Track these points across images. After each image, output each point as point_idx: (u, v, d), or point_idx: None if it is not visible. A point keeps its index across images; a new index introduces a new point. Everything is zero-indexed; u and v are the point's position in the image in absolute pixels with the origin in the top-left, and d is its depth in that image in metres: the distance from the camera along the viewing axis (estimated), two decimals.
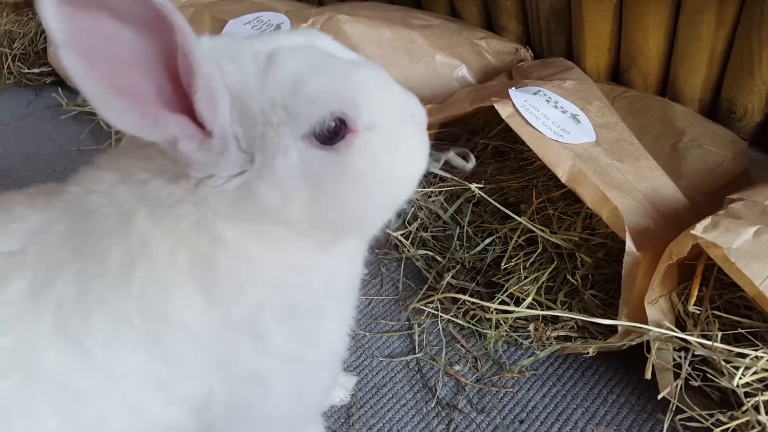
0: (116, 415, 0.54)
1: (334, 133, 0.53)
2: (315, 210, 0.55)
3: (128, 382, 0.54)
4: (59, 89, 1.99)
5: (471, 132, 1.29)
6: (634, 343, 0.78)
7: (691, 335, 0.73)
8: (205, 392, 0.57)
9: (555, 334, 0.90)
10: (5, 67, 2.06)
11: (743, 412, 0.70)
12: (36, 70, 2.08)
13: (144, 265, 0.52)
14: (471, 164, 0.86)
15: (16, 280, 0.52)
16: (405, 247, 1.13)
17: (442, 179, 1.14)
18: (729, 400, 0.78)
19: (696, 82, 1.44)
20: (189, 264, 0.53)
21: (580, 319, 0.85)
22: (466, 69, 1.44)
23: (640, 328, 0.75)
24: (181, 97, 0.49)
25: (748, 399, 0.69)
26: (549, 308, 0.90)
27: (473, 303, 0.98)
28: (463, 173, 0.96)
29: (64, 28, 0.40)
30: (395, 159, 0.58)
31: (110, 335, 0.52)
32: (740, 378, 0.68)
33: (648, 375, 0.76)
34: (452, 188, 1.10)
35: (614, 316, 0.84)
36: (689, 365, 0.76)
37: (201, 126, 0.50)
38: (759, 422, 0.67)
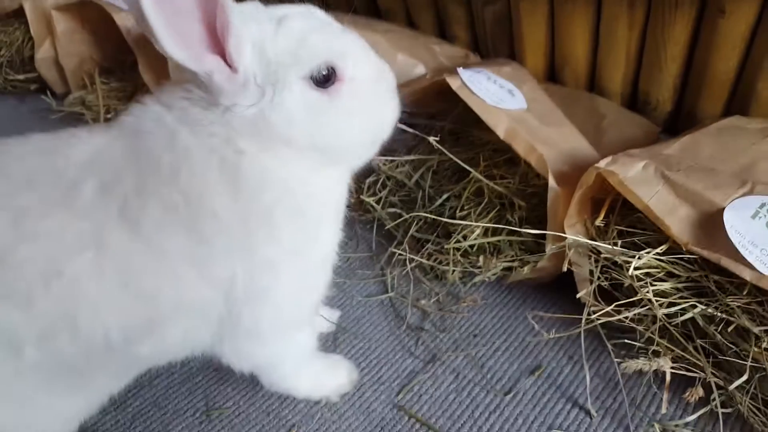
0: (165, 286, 0.70)
1: (326, 79, 0.72)
2: (311, 135, 0.73)
3: (174, 259, 0.69)
4: (47, 93, 2.12)
5: (430, 117, 1.51)
6: (556, 250, 1.00)
7: (598, 242, 0.95)
8: (230, 273, 0.73)
9: (500, 264, 1.11)
10: None
11: (637, 299, 0.92)
12: (21, 77, 2.21)
13: (187, 167, 0.69)
14: None
15: (90, 181, 0.67)
16: (376, 210, 1.33)
17: (408, 152, 1.36)
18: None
19: (617, 78, 1.72)
20: (219, 168, 0.70)
21: (516, 240, 1.06)
22: (423, 67, 1.67)
23: (560, 236, 0.97)
24: (217, 42, 0.66)
25: (642, 287, 0.92)
26: (494, 244, 1.12)
27: (433, 246, 1.18)
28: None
29: None
30: (372, 104, 0.79)
31: (161, 220, 0.68)
32: (633, 270, 0.91)
33: (564, 268, 0.98)
34: (415, 158, 1.31)
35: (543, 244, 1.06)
36: (599, 270, 0.98)
37: (230, 65, 0.68)
38: (650, 301, 0.90)
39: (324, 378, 0.98)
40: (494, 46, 1.87)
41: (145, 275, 0.69)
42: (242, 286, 0.75)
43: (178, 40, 0.62)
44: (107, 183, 0.68)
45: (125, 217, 0.67)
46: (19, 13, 2.13)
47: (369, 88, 0.77)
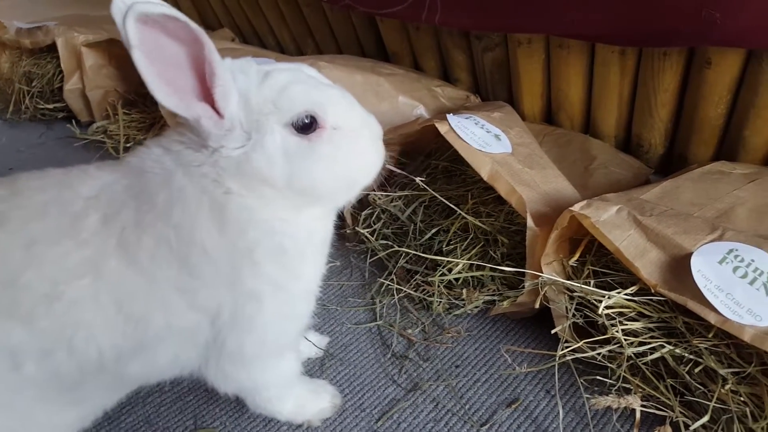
0: (155, 311, 0.76)
1: (307, 127, 0.78)
2: (290, 177, 0.78)
3: (164, 288, 0.75)
4: (73, 122, 2.26)
5: (427, 155, 1.58)
6: (532, 287, 1.04)
7: (571, 281, 0.99)
8: (217, 303, 0.79)
9: (482, 298, 1.16)
10: (24, 103, 2.33)
11: (609, 337, 0.96)
12: (50, 106, 2.35)
13: (179, 205, 0.75)
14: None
15: (94, 214, 0.75)
16: (370, 241, 1.39)
17: (402, 188, 1.43)
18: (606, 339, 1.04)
19: (610, 121, 1.78)
20: (209, 206, 0.76)
21: (498, 275, 1.11)
22: (423, 108, 1.76)
23: (535, 274, 1.02)
24: (205, 91, 0.73)
25: (611, 324, 0.96)
26: (477, 278, 1.17)
27: (421, 278, 1.23)
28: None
29: (138, 36, 0.64)
30: (352, 152, 0.84)
31: (155, 251, 0.74)
32: (604, 309, 0.95)
33: (537, 305, 1.02)
34: (409, 194, 1.37)
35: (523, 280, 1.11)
36: (574, 308, 1.02)
37: (218, 112, 0.74)
38: (618, 340, 0.93)
39: (307, 402, 1.02)
40: (493, 89, 1.95)
41: (137, 301, 0.75)
42: (228, 314, 0.81)
43: (167, 88, 0.69)
44: (109, 216, 0.75)
45: (122, 247, 0.74)
46: (51, 48, 2.28)
47: (350, 137, 0.82)
